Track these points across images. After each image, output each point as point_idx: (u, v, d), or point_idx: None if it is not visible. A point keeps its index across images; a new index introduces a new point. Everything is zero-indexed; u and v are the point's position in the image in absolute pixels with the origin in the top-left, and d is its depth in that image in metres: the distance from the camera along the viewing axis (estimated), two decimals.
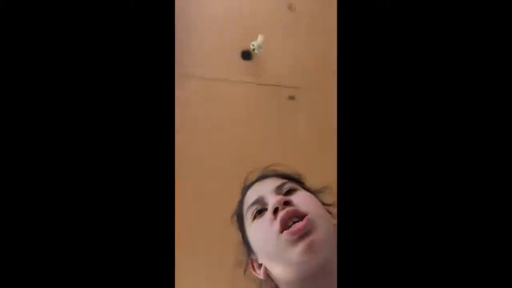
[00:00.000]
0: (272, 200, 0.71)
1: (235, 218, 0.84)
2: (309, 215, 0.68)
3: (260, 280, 0.76)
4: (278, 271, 0.71)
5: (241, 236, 0.80)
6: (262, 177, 0.83)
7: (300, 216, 0.68)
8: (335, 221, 0.76)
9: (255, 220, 0.74)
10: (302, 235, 0.65)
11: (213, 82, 1.48)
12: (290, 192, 0.74)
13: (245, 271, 0.79)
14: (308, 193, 0.77)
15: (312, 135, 1.45)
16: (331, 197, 0.78)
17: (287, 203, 0.70)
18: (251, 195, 0.77)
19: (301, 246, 0.65)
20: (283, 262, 0.69)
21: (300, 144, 1.44)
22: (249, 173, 0.87)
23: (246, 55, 1.54)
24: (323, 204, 0.77)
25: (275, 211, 0.69)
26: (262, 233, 0.71)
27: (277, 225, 0.67)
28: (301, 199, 0.72)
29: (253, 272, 0.78)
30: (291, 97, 1.51)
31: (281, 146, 1.44)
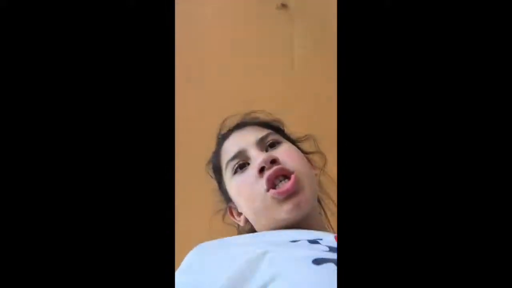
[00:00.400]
0: (256, 156, 0.69)
1: (210, 166, 0.81)
2: (295, 173, 0.67)
3: (239, 225, 0.76)
4: (261, 223, 0.71)
5: (217, 185, 0.79)
6: (241, 125, 0.79)
7: (287, 174, 0.66)
8: (316, 171, 0.76)
9: (237, 175, 0.71)
10: (290, 195, 0.65)
11: None
12: (273, 145, 0.72)
13: (223, 217, 0.79)
14: (292, 146, 0.74)
15: (309, 51, 1.19)
16: (312, 145, 0.79)
17: (273, 162, 0.67)
18: (231, 147, 0.74)
19: (288, 205, 0.65)
20: (268, 218, 0.69)
21: (296, 62, 1.18)
22: (224, 119, 0.82)
23: None
24: (304, 153, 0.77)
25: (261, 169, 0.67)
26: (246, 190, 0.69)
27: (263, 183, 0.66)
28: (286, 154, 0.70)
29: (232, 219, 0.78)
30: (284, 5, 1.27)
31: (274, 65, 1.18)
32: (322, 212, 0.76)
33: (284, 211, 0.66)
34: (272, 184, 0.66)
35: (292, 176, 0.65)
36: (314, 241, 0.57)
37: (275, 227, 0.69)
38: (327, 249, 0.54)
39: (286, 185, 0.65)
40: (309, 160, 0.76)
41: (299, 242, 0.58)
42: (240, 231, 0.77)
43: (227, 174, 0.73)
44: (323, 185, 0.77)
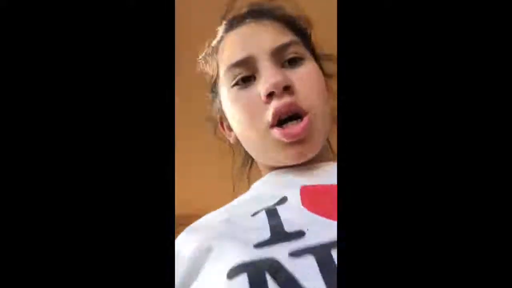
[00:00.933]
0: (267, 73, 0.52)
1: (203, 59, 0.63)
2: (310, 113, 0.52)
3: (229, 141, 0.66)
4: (253, 153, 0.59)
5: (210, 89, 0.64)
6: (257, 14, 0.59)
7: (299, 112, 0.52)
8: (332, 105, 0.59)
9: (236, 88, 0.55)
10: (297, 141, 0.52)
11: None
12: (294, 61, 0.54)
13: (215, 130, 0.68)
14: (316, 66, 0.57)
15: None
16: (332, 65, 0.64)
17: (287, 89, 0.52)
18: (236, 47, 0.56)
19: (291, 151, 0.53)
20: (263, 155, 0.57)
21: None
22: (228, 2, 0.61)
23: None
24: (326, 76, 0.61)
25: (270, 94, 0.52)
26: (245, 115, 0.54)
27: (268, 114, 0.52)
28: (306, 81, 0.53)
29: (223, 132, 0.67)
30: None
31: None
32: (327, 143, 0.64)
33: (284, 156, 0.54)
34: (278, 120, 0.52)
35: (305, 118, 0.52)
36: (274, 213, 0.47)
37: (267, 163, 0.59)
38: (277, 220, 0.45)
39: (295, 128, 0.51)
40: (327, 86, 0.61)
41: (257, 215, 0.48)
42: (234, 150, 0.67)
43: (224, 81, 0.57)
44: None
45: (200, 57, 0.65)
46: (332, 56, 0.63)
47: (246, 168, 0.69)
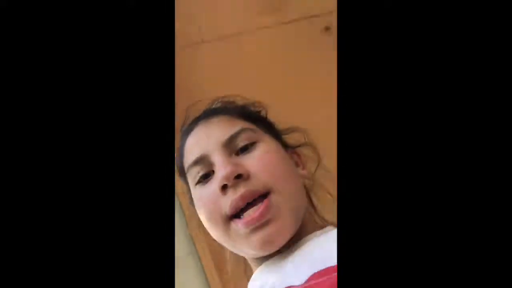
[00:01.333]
0: (220, 166, 0.53)
1: (176, 165, 0.65)
2: (270, 195, 0.51)
3: None
4: (229, 249, 0.59)
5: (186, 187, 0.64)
6: (209, 114, 0.61)
7: (257, 196, 0.51)
8: (305, 175, 0.61)
9: (199, 186, 0.56)
10: (258, 226, 0.51)
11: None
12: (246, 148, 0.55)
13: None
14: (271, 146, 0.57)
15: None
16: (300, 137, 0.68)
17: (239, 177, 0.52)
18: (193, 147, 0.58)
19: (254, 239, 0.51)
20: (234, 249, 0.57)
21: None
22: (190, 105, 0.65)
23: None
24: (289, 147, 0.62)
25: (224, 187, 0.52)
26: (206, 211, 0.55)
27: (226, 207, 0.52)
28: (261, 163, 0.53)
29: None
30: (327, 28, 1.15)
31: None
32: (312, 210, 0.62)
33: (248, 246, 0.52)
34: (236, 210, 0.51)
35: (265, 201, 0.51)
36: None
37: (244, 256, 0.58)
38: None
39: (253, 214, 0.50)
40: (296, 157, 0.62)
41: None
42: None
43: (190, 180, 0.59)
44: (317, 180, 0.65)
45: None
46: (296, 128, 0.67)
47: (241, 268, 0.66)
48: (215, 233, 0.56)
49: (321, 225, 0.59)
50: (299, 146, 0.65)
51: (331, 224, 0.59)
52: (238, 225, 0.52)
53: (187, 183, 0.62)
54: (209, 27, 1.16)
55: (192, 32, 1.16)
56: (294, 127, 0.66)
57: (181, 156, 0.61)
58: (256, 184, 0.52)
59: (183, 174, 0.61)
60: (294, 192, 0.55)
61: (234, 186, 0.52)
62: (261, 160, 0.54)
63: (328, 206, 0.62)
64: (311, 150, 0.65)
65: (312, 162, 0.64)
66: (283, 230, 0.52)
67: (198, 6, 1.18)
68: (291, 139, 0.65)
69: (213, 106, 0.65)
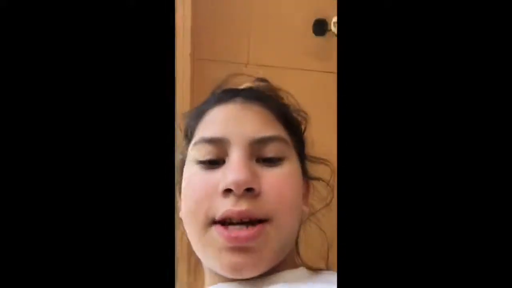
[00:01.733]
0: (235, 165, 0.46)
1: (184, 120, 0.56)
2: (266, 224, 0.46)
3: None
4: (195, 249, 0.51)
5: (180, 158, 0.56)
6: (250, 96, 0.53)
7: (253, 220, 0.45)
8: (305, 211, 0.54)
9: (200, 166, 0.49)
10: (238, 248, 0.45)
11: None
12: (271, 161, 0.48)
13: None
14: (294, 168, 0.50)
15: None
16: (324, 170, 0.60)
17: (250, 190, 0.45)
18: (217, 121, 0.50)
19: (226, 259, 0.45)
20: (202, 254, 0.50)
21: None
22: (234, 73, 0.57)
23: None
24: (306, 176, 0.56)
25: (228, 191, 0.46)
26: (195, 198, 0.48)
27: (217, 209, 0.46)
28: (277, 186, 0.47)
29: (177, 196, 0.56)
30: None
31: None
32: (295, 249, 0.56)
33: (220, 263, 0.46)
34: (226, 220, 0.45)
35: (259, 226, 0.45)
36: None
37: (208, 266, 0.51)
38: None
39: (242, 232, 0.45)
40: (305, 188, 0.55)
41: None
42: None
43: (192, 152, 0.51)
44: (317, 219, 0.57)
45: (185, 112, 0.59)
46: (325, 161, 0.60)
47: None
48: (191, 227, 0.49)
49: (296, 264, 0.53)
50: (317, 179, 0.57)
51: (305, 265, 0.54)
52: (220, 235, 0.46)
53: (187, 146, 0.55)
54: None
55: None
56: (324, 159, 0.59)
57: (198, 117, 0.54)
58: (262, 207, 0.46)
59: (187, 137, 0.54)
60: (290, 227, 0.50)
61: (239, 196, 0.45)
62: (279, 183, 0.48)
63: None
64: (326, 188, 0.57)
65: (318, 200, 0.55)
66: (259, 264, 0.46)
67: None
68: (312, 168, 0.58)
69: (257, 88, 0.57)
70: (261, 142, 0.48)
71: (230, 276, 0.46)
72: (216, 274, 0.49)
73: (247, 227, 0.45)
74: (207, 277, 0.52)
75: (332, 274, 0.51)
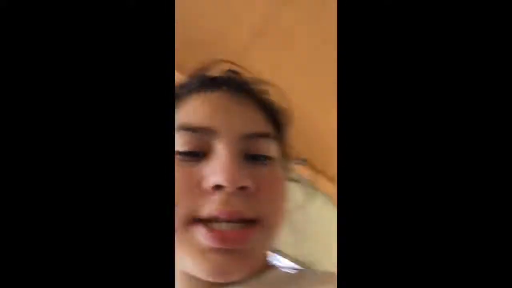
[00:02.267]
0: (226, 163, 0.42)
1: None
2: (256, 226, 0.43)
3: None
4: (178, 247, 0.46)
5: None
6: (234, 86, 0.49)
7: (241, 222, 0.42)
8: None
9: (179, 157, 0.44)
10: (225, 250, 0.41)
11: None
12: (258, 159, 0.45)
13: None
14: (279, 172, 0.47)
15: None
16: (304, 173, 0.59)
17: (243, 189, 0.42)
18: (200, 111, 0.45)
19: (210, 261, 0.41)
20: (183, 250, 0.44)
21: None
22: (218, 60, 0.52)
23: None
24: (289, 179, 0.53)
25: (219, 187, 0.42)
26: (177, 194, 0.42)
27: (201, 207, 0.42)
28: (267, 186, 0.44)
29: None
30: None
31: None
32: None
33: (201, 266, 0.42)
34: (212, 220, 0.41)
35: (250, 229, 0.42)
36: None
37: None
38: None
39: (231, 232, 0.41)
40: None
41: None
42: None
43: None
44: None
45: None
46: (303, 162, 0.59)
47: None
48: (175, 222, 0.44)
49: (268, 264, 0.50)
50: (295, 181, 0.56)
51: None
52: (202, 235, 0.41)
53: None
54: None
55: None
56: (304, 159, 0.59)
57: (182, 94, 0.48)
58: (254, 207, 0.43)
59: None
60: (278, 228, 0.47)
61: (230, 195, 0.41)
62: (270, 182, 0.45)
63: None
64: (300, 190, 0.56)
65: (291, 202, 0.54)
66: (243, 269, 0.43)
67: None
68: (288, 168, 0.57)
69: (244, 79, 0.52)
70: (251, 137, 0.45)
71: (212, 279, 0.42)
72: (192, 278, 0.44)
73: (234, 228, 0.42)
74: (180, 283, 0.50)
75: (312, 272, 0.50)
